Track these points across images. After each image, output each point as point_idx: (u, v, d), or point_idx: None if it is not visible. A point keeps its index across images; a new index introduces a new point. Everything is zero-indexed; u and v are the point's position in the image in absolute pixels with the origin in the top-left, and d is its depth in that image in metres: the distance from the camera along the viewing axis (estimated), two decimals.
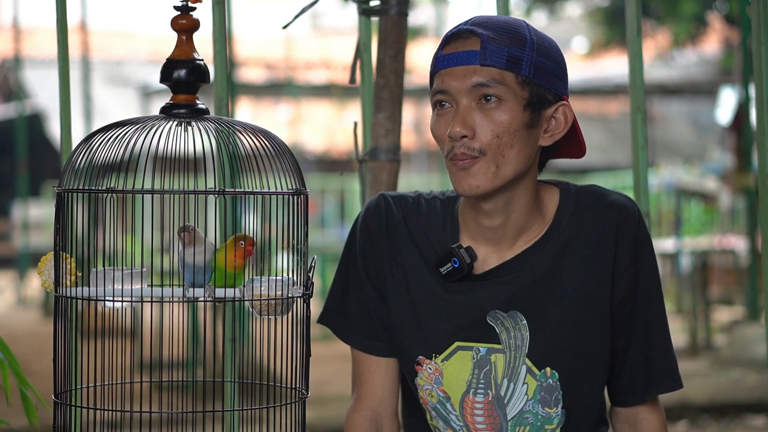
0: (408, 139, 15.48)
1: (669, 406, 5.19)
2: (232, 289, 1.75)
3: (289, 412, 1.77)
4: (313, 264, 1.78)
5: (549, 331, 1.94)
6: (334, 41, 17.18)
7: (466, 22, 1.92)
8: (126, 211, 1.82)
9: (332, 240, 11.13)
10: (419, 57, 15.79)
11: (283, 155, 1.79)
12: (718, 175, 11.02)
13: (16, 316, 10.52)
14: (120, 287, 1.74)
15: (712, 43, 15.30)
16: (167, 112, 1.78)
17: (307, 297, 1.78)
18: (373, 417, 2.04)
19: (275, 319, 1.77)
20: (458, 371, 1.97)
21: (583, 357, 1.95)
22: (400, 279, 2.00)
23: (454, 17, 21.25)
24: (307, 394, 1.79)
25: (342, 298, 2.06)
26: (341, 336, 2.07)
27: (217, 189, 1.70)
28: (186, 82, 1.78)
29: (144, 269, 1.78)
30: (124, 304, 1.76)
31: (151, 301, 1.75)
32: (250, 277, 1.78)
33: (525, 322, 1.94)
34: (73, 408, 1.76)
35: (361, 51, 2.55)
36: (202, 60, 1.80)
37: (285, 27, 2.61)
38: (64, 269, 1.76)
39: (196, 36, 1.82)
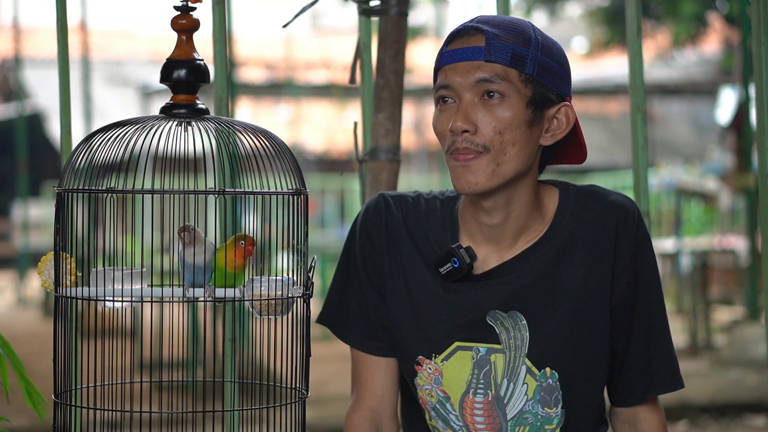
0: (408, 139, 15.48)
1: (669, 406, 5.19)
2: (232, 289, 1.75)
3: (289, 412, 1.77)
4: (313, 264, 1.78)
5: (549, 331, 1.94)
6: (334, 41, 17.18)
7: (471, 20, 1.93)
8: (126, 211, 1.82)
9: (332, 240, 11.13)
10: (419, 57, 15.80)
11: (283, 155, 1.79)
12: (718, 175, 11.03)
13: (16, 316, 10.52)
14: (120, 287, 1.74)
15: (712, 43, 15.30)
16: (167, 112, 1.78)
17: (307, 297, 1.78)
18: (373, 417, 2.04)
19: (275, 319, 1.77)
20: (458, 371, 1.97)
21: (583, 357, 1.95)
22: (399, 279, 2.00)
23: (454, 17, 21.27)
24: (307, 394, 1.79)
25: (341, 298, 2.06)
26: (341, 336, 2.07)
27: (217, 189, 1.70)
28: (186, 82, 1.78)
29: (144, 269, 1.78)
30: (124, 304, 1.76)
31: (151, 301, 1.75)
32: (250, 277, 1.78)
33: (525, 322, 1.94)
34: (73, 408, 1.76)
35: (361, 51, 2.55)
36: (202, 60, 1.80)
37: (285, 26, 2.61)
38: (64, 269, 1.76)
39: (196, 36, 1.82)
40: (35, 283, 11.35)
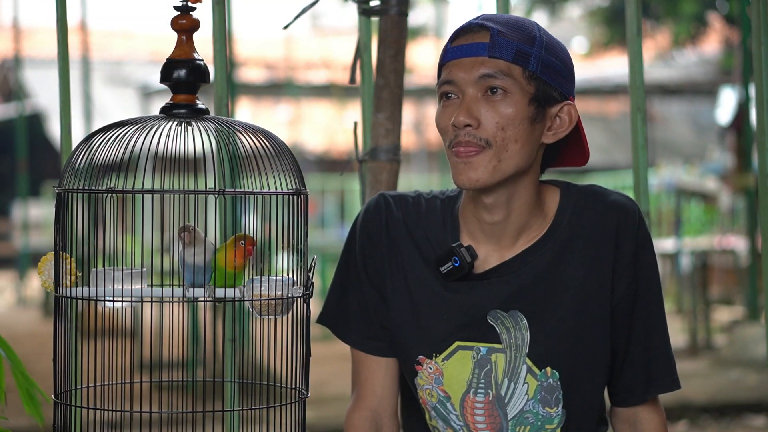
0: (408, 139, 15.48)
1: (669, 406, 5.19)
2: (232, 289, 1.75)
3: (289, 412, 1.77)
4: (313, 264, 1.78)
5: (549, 330, 1.94)
6: (334, 41, 17.18)
7: (477, 18, 1.93)
8: (126, 211, 1.82)
9: (332, 240, 11.13)
10: (419, 57, 15.80)
11: (283, 155, 1.79)
12: (718, 175, 11.02)
13: (16, 316, 10.52)
14: (120, 287, 1.74)
15: (712, 43, 15.30)
16: (167, 112, 1.78)
17: (307, 297, 1.78)
18: (373, 417, 2.04)
19: (275, 319, 1.77)
20: (458, 371, 1.97)
21: (583, 357, 1.95)
22: (399, 279, 2.00)
23: (454, 17, 21.27)
24: (307, 394, 1.79)
25: (341, 298, 2.06)
26: (341, 336, 2.07)
27: (217, 189, 1.70)
28: (186, 82, 1.78)
29: (144, 269, 1.78)
30: (124, 304, 1.75)
31: (151, 301, 1.75)
32: (250, 277, 1.78)
33: (525, 321, 1.94)
34: (73, 408, 1.76)
35: (361, 51, 2.55)
36: (202, 60, 1.80)
37: (285, 27, 2.61)
38: (64, 269, 1.75)
39: (196, 36, 1.82)
40: (35, 283, 11.35)
